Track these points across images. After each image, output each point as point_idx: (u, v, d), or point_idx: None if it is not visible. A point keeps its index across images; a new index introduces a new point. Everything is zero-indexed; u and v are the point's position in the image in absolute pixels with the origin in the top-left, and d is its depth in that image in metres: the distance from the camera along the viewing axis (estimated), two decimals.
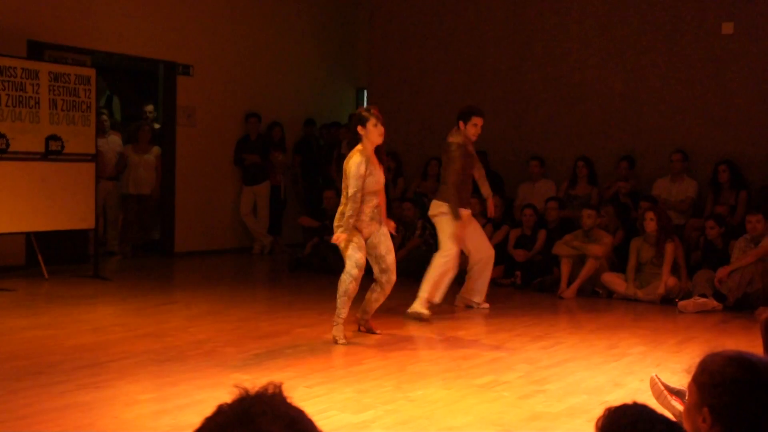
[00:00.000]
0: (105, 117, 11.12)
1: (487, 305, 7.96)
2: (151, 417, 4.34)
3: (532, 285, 9.17)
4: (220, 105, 11.67)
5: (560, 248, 8.93)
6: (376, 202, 6.31)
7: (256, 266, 11.29)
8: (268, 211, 11.99)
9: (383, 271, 6.36)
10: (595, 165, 10.40)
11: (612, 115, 10.79)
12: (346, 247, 6.17)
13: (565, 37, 11.08)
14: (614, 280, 8.71)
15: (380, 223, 6.37)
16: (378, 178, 6.29)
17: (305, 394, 4.73)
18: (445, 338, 6.70)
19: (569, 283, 8.76)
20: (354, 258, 6.13)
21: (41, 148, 8.64)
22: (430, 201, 8.19)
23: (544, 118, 11.26)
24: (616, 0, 10.73)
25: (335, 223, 6.25)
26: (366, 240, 6.27)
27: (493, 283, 9.42)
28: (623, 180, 10.16)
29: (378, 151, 6.30)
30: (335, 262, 7.16)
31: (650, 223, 8.54)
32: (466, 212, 7.65)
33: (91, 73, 9.11)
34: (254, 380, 4.95)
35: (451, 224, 7.51)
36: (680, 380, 4.46)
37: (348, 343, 6.10)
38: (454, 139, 7.58)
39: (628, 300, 8.51)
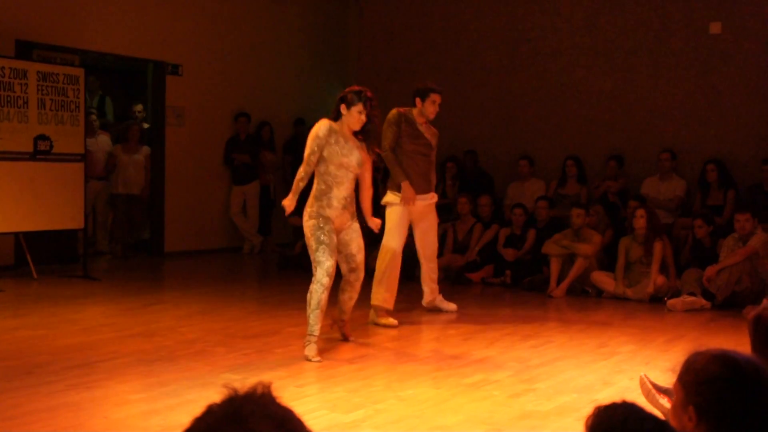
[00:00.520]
0: (94, 117, 11.09)
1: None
2: (141, 417, 4.33)
3: (521, 284, 9.19)
4: (210, 104, 11.65)
5: (550, 247, 8.95)
6: (349, 188, 5.87)
7: (245, 266, 11.27)
8: (257, 210, 11.98)
9: (352, 270, 6.03)
10: (585, 164, 10.44)
11: (601, 114, 10.82)
12: (316, 248, 5.68)
13: (554, 36, 11.11)
14: (603, 279, 8.73)
15: (353, 217, 5.98)
16: (348, 153, 5.81)
17: (295, 394, 4.73)
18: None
19: (559, 282, 8.78)
20: (324, 266, 5.63)
21: (30, 148, 8.61)
22: None
23: (534, 117, 11.29)
24: (605, 0, 10.77)
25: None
26: (337, 234, 5.85)
27: (483, 283, 9.48)
28: (612, 179, 10.20)
29: (367, 135, 5.94)
30: None
31: (640, 220, 8.56)
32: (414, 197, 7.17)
33: (79, 72, 9.08)
34: (244, 380, 4.96)
35: (393, 215, 7.13)
36: (669, 379, 4.47)
37: (322, 360, 5.59)
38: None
39: (618, 299, 8.54)
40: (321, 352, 5.70)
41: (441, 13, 11.93)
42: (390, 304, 7.07)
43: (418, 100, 7.27)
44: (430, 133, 7.36)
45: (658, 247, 8.49)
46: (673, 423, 2.07)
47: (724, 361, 2.03)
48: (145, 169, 11.14)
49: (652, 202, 9.50)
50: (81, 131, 9.07)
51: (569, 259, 8.85)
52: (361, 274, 6.11)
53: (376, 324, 6.88)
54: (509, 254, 9.50)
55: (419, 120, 7.28)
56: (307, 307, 5.69)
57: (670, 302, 8.08)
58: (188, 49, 11.30)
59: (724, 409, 1.99)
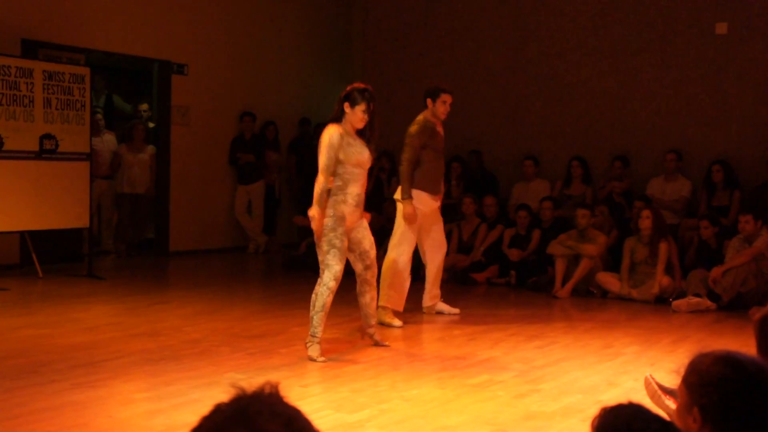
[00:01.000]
0: (100, 116, 11.10)
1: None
2: (146, 416, 4.34)
3: (526, 285, 9.18)
4: (215, 104, 11.66)
5: (555, 248, 8.94)
6: (363, 186, 5.83)
7: (250, 265, 11.28)
8: (262, 210, 11.99)
9: (368, 267, 5.97)
10: (590, 165, 10.42)
11: (606, 114, 10.81)
12: (327, 250, 5.62)
13: (560, 36, 11.10)
14: (608, 280, 8.72)
15: (362, 214, 5.91)
16: (361, 150, 5.78)
17: (300, 394, 4.73)
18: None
19: (564, 282, 8.77)
20: (333, 270, 5.60)
21: (35, 147, 8.62)
22: None
23: (539, 117, 11.28)
24: (610, 0, 10.75)
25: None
26: (348, 235, 5.80)
27: (488, 283, 9.47)
28: (617, 180, 10.18)
29: (367, 130, 5.87)
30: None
31: (645, 221, 8.55)
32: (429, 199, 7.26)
33: (85, 71, 9.10)
34: (249, 379, 4.96)
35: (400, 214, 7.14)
36: (674, 380, 4.47)
37: (328, 360, 5.61)
38: (418, 118, 7.27)
39: (623, 299, 8.53)
40: (325, 352, 5.69)
41: (446, 13, 11.93)
42: (399, 306, 7.09)
43: (429, 101, 7.29)
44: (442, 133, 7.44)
45: (663, 248, 8.48)
46: (678, 424, 2.07)
47: (729, 362, 2.02)
48: (150, 168, 11.16)
49: (657, 203, 9.49)
50: (87, 130, 9.09)
51: (574, 260, 8.84)
52: (376, 270, 6.07)
53: (382, 323, 6.87)
54: (514, 254, 9.49)
55: (434, 121, 7.32)
56: (311, 309, 5.67)
57: (676, 303, 8.07)
58: (194, 48, 11.31)
59: (729, 410, 1.99)
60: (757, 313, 3.56)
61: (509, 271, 9.40)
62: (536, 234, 9.53)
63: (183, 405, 4.48)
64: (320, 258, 5.71)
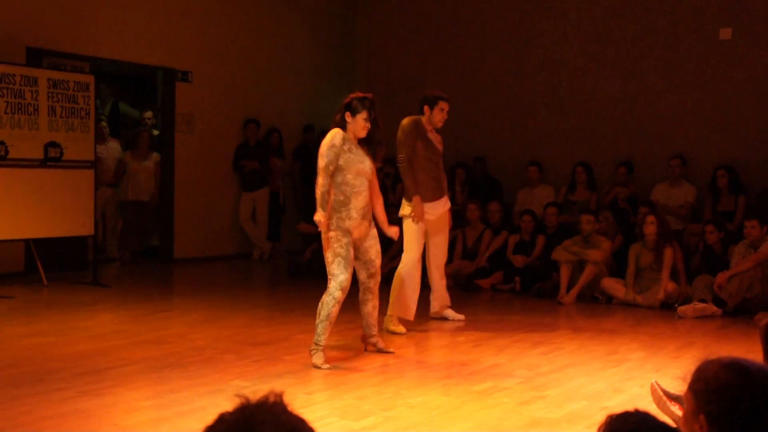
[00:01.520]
0: (104, 124, 11.13)
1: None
2: (151, 424, 4.34)
3: (531, 291, 9.17)
4: (219, 111, 11.68)
5: (559, 254, 8.93)
6: (366, 198, 5.80)
7: (255, 272, 11.28)
8: (267, 217, 11.99)
9: (371, 275, 5.97)
10: (594, 170, 10.42)
11: (610, 120, 10.81)
12: (332, 260, 5.63)
13: (564, 42, 11.11)
14: (613, 286, 8.71)
15: (371, 224, 5.91)
16: (362, 159, 5.77)
17: (305, 401, 4.72)
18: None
19: (568, 288, 8.75)
20: (339, 279, 5.59)
21: (40, 155, 8.64)
22: None
23: (543, 123, 11.28)
24: (615, 5, 10.76)
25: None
26: (356, 244, 5.81)
27: (493, 289, 9.46)
28: (622, 185, 10.18)
29: (371, 140, 5.87)
30: None
31: (650, 227, 8.54)
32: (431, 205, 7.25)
33: (89, 79, 9.12)
34: (254, 387, 4.96)
35: (414, 226, 7.14)
36: (680, 386, 4.46)
37: (332, 367, 5.60)
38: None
39: (628, 305, 8.51)
40: (329, 359, 5.69)
41: (449, 19, 11.94)
42: (410, 315, 7.08)
43: (426, 108, 7.28)
44: (437, 140, 7.39)
45: (668, 254, 8.46)
46: (684, 431, 2.06)
47: (736, 369, 2.01)
48: (154, 175, 11.17)
49: (662, 209, 9.48)
50: (91, 138, 9.11)
51: (579, 266, 8.83)
52: (379, 278, 6.07)
53: (387, 331, 6.87)
54: (519, 261, 9.49)
55: (428, 127, 7.30)
56: (317, 317, 5.66)
57: (681, 309, 8.06)
58: (198, 56, 11.33)
59: (736, 417, 1.98)
60: (763, 319, 3.55)
61: (514, 278, 9.39)
62: (541, 240, 9.52)
63: (188, 413, 4.48)
64: (327, 269, 5.71)
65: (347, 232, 5.71)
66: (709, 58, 10.17)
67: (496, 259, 9.69)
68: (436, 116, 7.24)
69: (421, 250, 7.23)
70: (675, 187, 9.89)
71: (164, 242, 11.44)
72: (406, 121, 7.26)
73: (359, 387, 5.15)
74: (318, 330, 5.63)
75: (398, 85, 12.12)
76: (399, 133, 7.20)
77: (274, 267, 11.41)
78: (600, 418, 1.91)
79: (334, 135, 5.75)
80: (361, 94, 5.92)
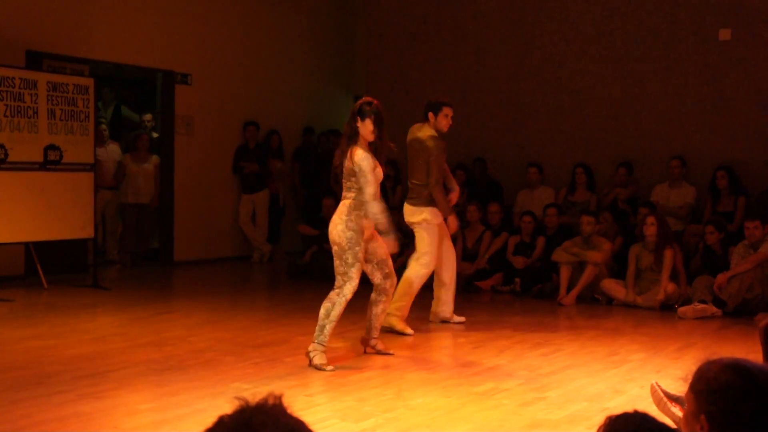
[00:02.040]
0: (104, 126, 11.13)
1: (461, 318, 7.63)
2: (151, 427, 4.33)
3: (531, 292, 9.17)
4: (219, 113, 11.68)
5: (559, 255, 8.93)
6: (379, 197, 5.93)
7: (255, 274, 11.28)
8: (266, 219, 11.99)
9: (387, 276, 6.00)
10: (594, 171, 10.42)
11: (610, 121, 10.81)
12: (353, 264, 5.70)
13: (563, 44, 11.11)
14: (614, 287, 8.71)
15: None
16: (376, 165, 5.87)
17: (305, 403, 4.72)
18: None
19: (569, 289, 8.75)
20: (354, 283, 5.71)
21: (40, 158, 8.64)
22: None
23: (543, 124, 11.28)
24: (614, 7, 10.76)
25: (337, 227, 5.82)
26: (364, 245, 5.84)
27: (493, 290, 9.46)
28: (622, 186, 10.18)
29: (378, 146, 5.91)
30: (334, 269, 6.78)
31: (650, 228, 8.54)
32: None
33: (89, 82, 9.12)
34: (254, 389, 4.96)
35: (433, 232, 7.23)
36: (680, 387, 4.46)
37: (336, 368, 5.62)
38: (426, 132, 7.23)
39: (628, 306, 8.51)
40: (329, 361, 5.68)
41: (449, 21, 11.94)
42: (405, 313, 7.13)
43: (431, 114, 7.28)
44: None
45: (668, 255, 8.46)
46: None
47: (737, 370, 2.01)
48: (154, 178, 11.17)
49: (662, 210, 9.47)
50: (91, 141, 9.11)
51: (579, 267, 8.83)
52: (395, 279, 6.12)
53: (393, 331, 6.89)
54: (519, 262, 9.48)
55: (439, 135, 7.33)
56: (324, 318, 5.68)
57: (681, 310, 8.06)
58: (197, 58, 11.33)
59: (737, 418, 1.98)
60: (763, 320, 3.55)
61: (514, 279, 9.39)
62: (541, 241, 9.52)
63: (188, 415, 4.48)
64: (342, 269, 5.75)
65: (361, 233, 5.77)
66: (708, 59, 10.17)
67: (496, 260, 9.69)
68: (441, 122, 7.26)
69: (437, 259, 7.30)
70: (675, 188, 9.89)
71: (164, 245, 11.44)
72: (431, 142, 7.17)
73: (360, 389, 5.15)
74: (325, 330, 5.66)
75: (398, 87, 12.11)
76: (427, 156, 7.15)
77: (274, 269, 11.40)
78: (600, 419, 1.90)
79: (367, 156, 5.79)
80: (368, 99, 6.00)
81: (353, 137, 5.88)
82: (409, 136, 7.39)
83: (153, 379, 5.30)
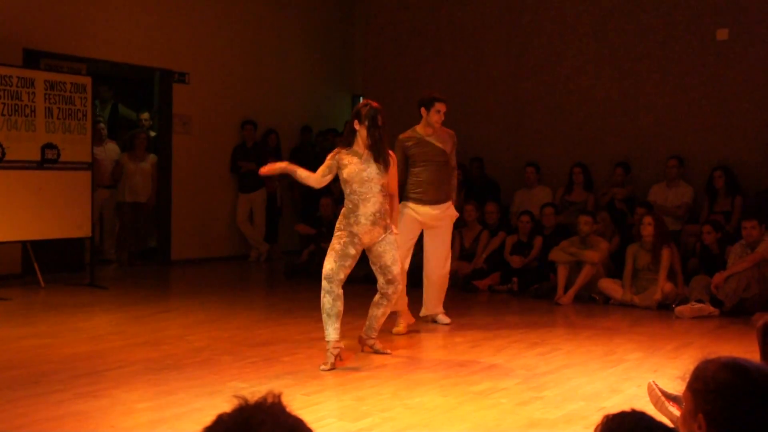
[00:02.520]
0: (102, 125, 11.12)
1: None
2: (149, 426, 4.33)
3: (528, 291, 9.17)
4: (216, 112, 11.68)
5: (557, 254, 8.94)
6: (377, 203, 5.80)
7: (252, 274, 11.28)
8: (264, 218, 12.00)
9: (389, 282, 5.96)
10: (591, 171, 10.42)
11: (608, 121, 10.81)
12: (327, 254, 5.77)
13: (561, 43, 11.11)
14: (611, 287, 8.72)
15: (385, 230, 5.88)
16: (365, 167, 5.80)
17: (303, 402, 4.72)
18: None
19: (566, 289, 8.76)
20: (324, 269, 5.70)
21: (37, 157, 8.63)
22: None
23: (540, 124, 11.28)
24: (611, 7, 10.76)
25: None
26: (369, 249, 5.87)
27: (490, 290, 9.46)
28: (619, 186, 10.18)
29: (380, 147, 5.84)
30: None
31: (648, 228, 8.54)
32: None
33: (86, 81, 9.11)
34: (251, 388, 4.96)
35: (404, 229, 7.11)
36: (677, 386, 4.46)
37: (333, 368, 5.59)
38: (409, 131, 7.25)
39: (625, 306, 8.52)
40: (322, 357, 5.68)
41: (447, 20, 11.94)
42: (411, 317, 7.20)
43: (423, 110, 7.24)
44: (440, 140, 7.27)
45: (665, 254, 8.47)
46: (682, 431, 2.07)
47: (735, 369, 2.02)
48: (151, 177, 11.17)
49: (659, 209, 9.48)
50: (88, 139, 9.10)
51: (576, 267, 8.83)
52: (399, 287, 6.06)
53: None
54: (516, 261, 9.49)
55: (426, 131, 7.25)
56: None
57: (678, 309, 8.07)
58: (195, 57, 11.33)
59: (734, 417, 1.98)
60: (760, 319, 3.55)
61: (511, 278, 9.39)
62: (538, 241, 9.53)
63: (185, 414, 4.47)
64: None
65: (354, 234, 5.79)
66: (706, 58, 10.18)
67: (494, 259, 9.70)
68: (433, 117, 7.19)
69: (404, 252, 7.14)
70: (672, 187, 9.90)
71: (161, 244, 11.44)
72: (396, 142, 7.21)
73: (357, 388, 5.15)
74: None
75: (395, 86, 12.12)
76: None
77: (271, 268, 11.40)
78: (598, 418, 1.91)
79: (327, 159, 5.96)
80: (366, 102, 6.00)
81: (350, 139, 5.93)
82: None
83: (150, 378, 5.29)
